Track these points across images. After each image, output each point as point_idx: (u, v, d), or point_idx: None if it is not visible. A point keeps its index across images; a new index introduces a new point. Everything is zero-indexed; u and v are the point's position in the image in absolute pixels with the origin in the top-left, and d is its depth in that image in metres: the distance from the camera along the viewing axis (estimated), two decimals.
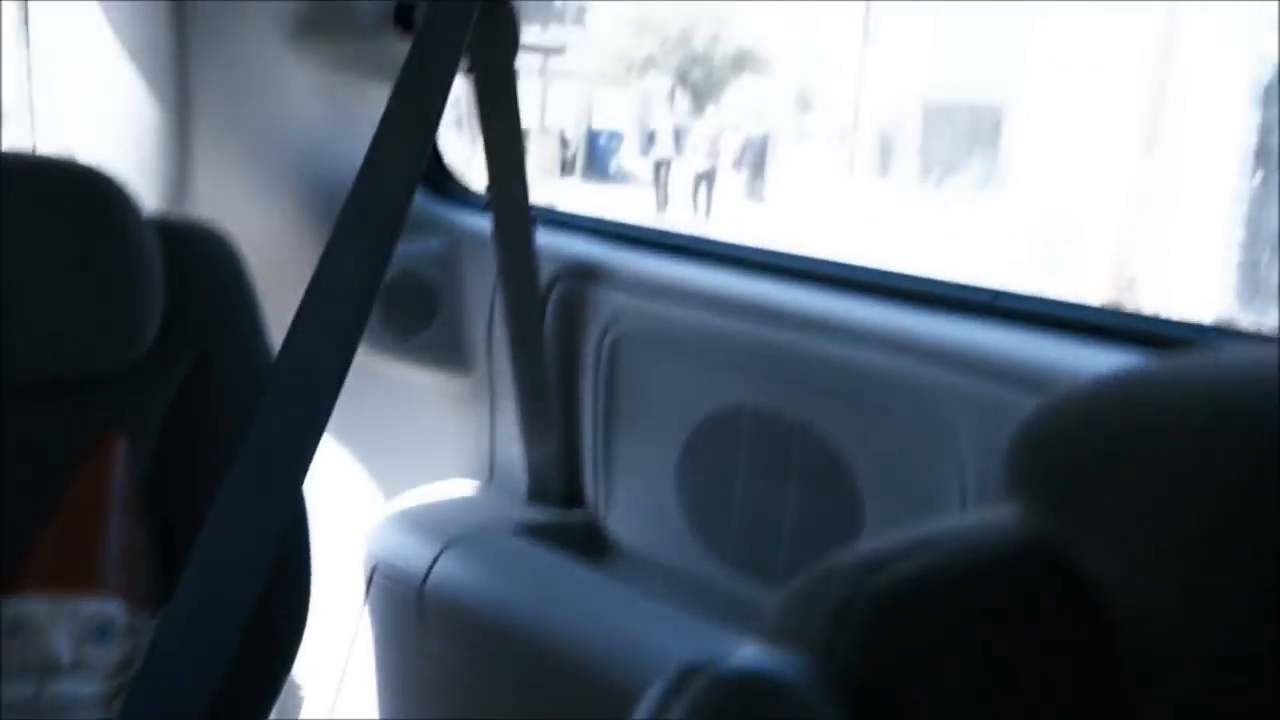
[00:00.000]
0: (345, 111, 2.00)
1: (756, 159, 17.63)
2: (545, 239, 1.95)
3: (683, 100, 24.98)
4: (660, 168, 17.95)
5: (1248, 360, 0.61)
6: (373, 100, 1.78)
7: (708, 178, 17.46)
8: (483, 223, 2.00)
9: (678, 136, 17.99)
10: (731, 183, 17.90)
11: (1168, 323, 1.45)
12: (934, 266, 1.80)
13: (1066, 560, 0.61)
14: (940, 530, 0.65)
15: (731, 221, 16.99)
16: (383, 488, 2.24)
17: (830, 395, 1.57)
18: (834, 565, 0.65)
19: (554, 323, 1.92)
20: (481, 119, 1.77)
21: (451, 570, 1.85)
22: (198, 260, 1.52)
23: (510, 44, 1.76)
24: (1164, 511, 0.57)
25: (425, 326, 2.09)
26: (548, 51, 24.83)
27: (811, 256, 1.78)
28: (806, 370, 1.60)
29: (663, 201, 17.66)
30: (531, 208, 1.88)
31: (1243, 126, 10.76)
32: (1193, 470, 0.57)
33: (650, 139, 18.59)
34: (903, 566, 0.62)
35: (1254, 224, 10.72)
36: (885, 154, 18.64)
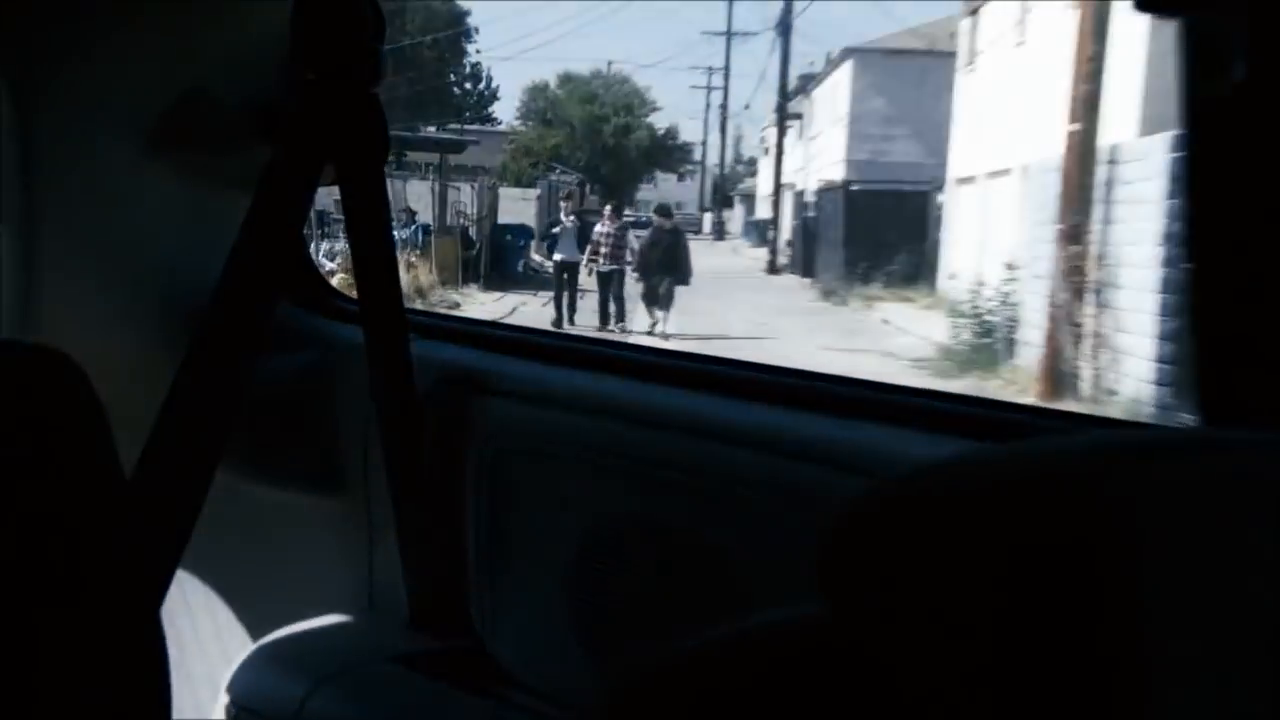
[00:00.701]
0: (207, 223, 1.92)
1: (668, 255, 16.91)
2: (422, 348, 1.90)
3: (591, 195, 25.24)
4: (563, 270, 17.41)
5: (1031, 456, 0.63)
6: (238, 210, 1.70)
7: (615, 277, 16.94)
8: (355, 334, 1.92)
9: (580, 234, 17.47)
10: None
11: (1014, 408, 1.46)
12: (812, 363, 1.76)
13: (864, 650, 0.63)
14: (756, 625, 0.68)
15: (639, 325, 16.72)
16: (249, 623, 2.16)
17: (718, 501, 1.53)
18: (661, 660, 0.67)
19: (433, 436, 1.87)
20: (349, 226, 1.73)
21: (325, 710, 1.75)
22: (41, 387, 1.38)
23: (379, 146, 1.72)
24: (947, 605, 0.59)
25: (295, 446, 2.02)
26: (444, 148, 24.09)
27: (696, 357, 1.78)
28: (694, 476, 1.56)
29: (567, 309, 17.00)
30: (408, 315, 1.84)
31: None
32: (970, 568, 0.59)
33: (553, 238, 17.88)
34: (714, 662, 0.66)
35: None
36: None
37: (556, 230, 17.60)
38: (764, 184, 61.67)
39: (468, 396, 1.86)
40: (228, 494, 1.70)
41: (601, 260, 16.52)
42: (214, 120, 1.80)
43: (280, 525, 2.08)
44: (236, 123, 1.81)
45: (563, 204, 18.89)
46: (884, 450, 1.42)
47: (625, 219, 20.70)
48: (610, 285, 16.53)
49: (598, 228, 16.82)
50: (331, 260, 16.76)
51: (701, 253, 25.38)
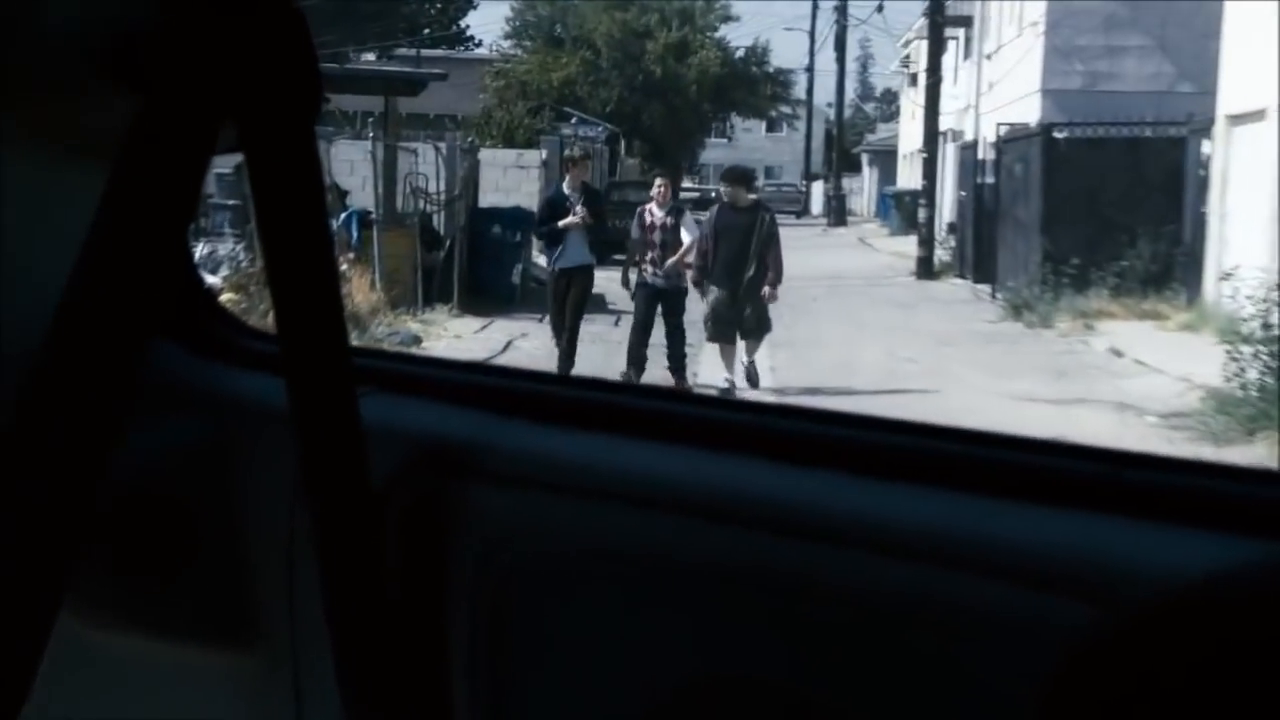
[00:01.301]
0: (43, 218, 1.51)
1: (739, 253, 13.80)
2: (378, 410, 1.54)
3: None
4: (567, 286, 14.15)
5: None
6: (86, 198, 1.27)
7: (671, 299, 13.75)
8: (274, 390, 1.50)
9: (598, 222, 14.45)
10: None
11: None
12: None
13: None
14: None
15: None
16: None
17: (851, 644, 1.25)
18: None
19: (399, 548, 1.54)
20: (261, 220, 1.37)
21: None
22: None
23: (307, 93, 1.36)
24: None
25: (178, 572, 1.66)
26: (393, 87, 21.71)
27: (798, 414, 1.50)
28: (809, 603, 1.26)
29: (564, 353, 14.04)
30: (355, 358, 1.48)
31: None
32: None
33: (552, 230, 14.27)
34: None
35: None
36: None
37: (560, 222, 13.81)
38: (909, 134, 50.08)
39: (450, 483, 1.57)
40: (75, 648, 1.48)
41: (650, 270, 13.18)
42: (50, 57, 1.35)
43: (157, 691, 1.72)
44: (81, 60, 1.35)
45: (569, 173, 14.63)
46: (1110, 555, 1.17)
47: (680, 197, 19.58)
48: (664, 310, 13.08)
49: (647, 210, 13.35)
50: (214, 273, 15.50)
51: (808, 245, 26.66)
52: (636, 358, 13.35)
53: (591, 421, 1.56)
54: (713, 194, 26.61)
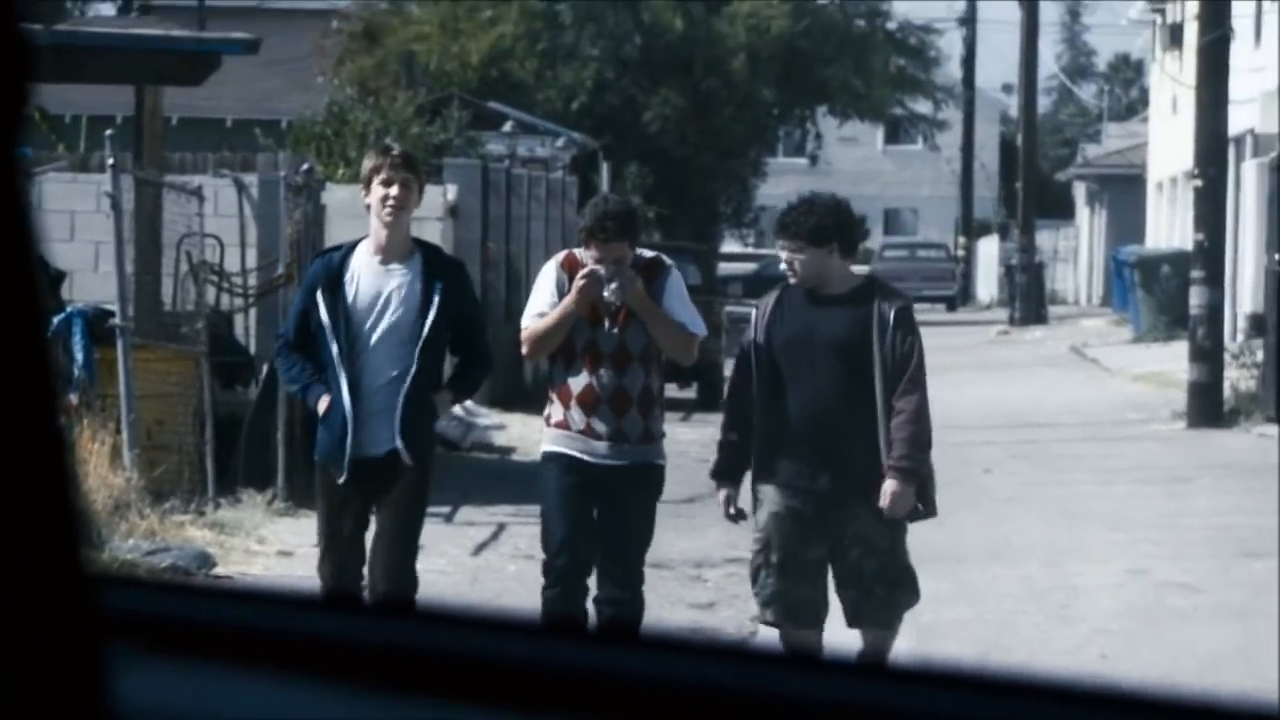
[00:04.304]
0: None
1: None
2: (148, 690, 1.59)
3: None
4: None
5: None
6: None
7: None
8: None
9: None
10: None
11: None
12: None
13: None
14: None
15: None
16: None
17: None
18: None
19: None
20: None
21: None
22: None
23: (14, 88, 1.35)
24: None
25: None
26: (152, 72, 19.74)
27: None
28: None
29: None
30: (107, 593, 1.50)
31: None
32: None
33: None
34: None
35: None
36: None
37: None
38: (1166, 142, 42.14)
39: None
40: None
41: (574, 418, 10.58)
42: None
43: None
44: None
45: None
46: None
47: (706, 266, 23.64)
48: (605, 514, 10.75)
49: (555, 273, 11.05)
50: None
51: (971, 364, 26.30)
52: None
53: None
54: (776, 263, 21.81)
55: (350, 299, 10.37)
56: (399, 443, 10.34)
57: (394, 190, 10.24)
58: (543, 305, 10.43)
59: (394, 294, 10.42)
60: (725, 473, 10.22)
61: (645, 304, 10.30)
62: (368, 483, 10.50)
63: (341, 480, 10.49)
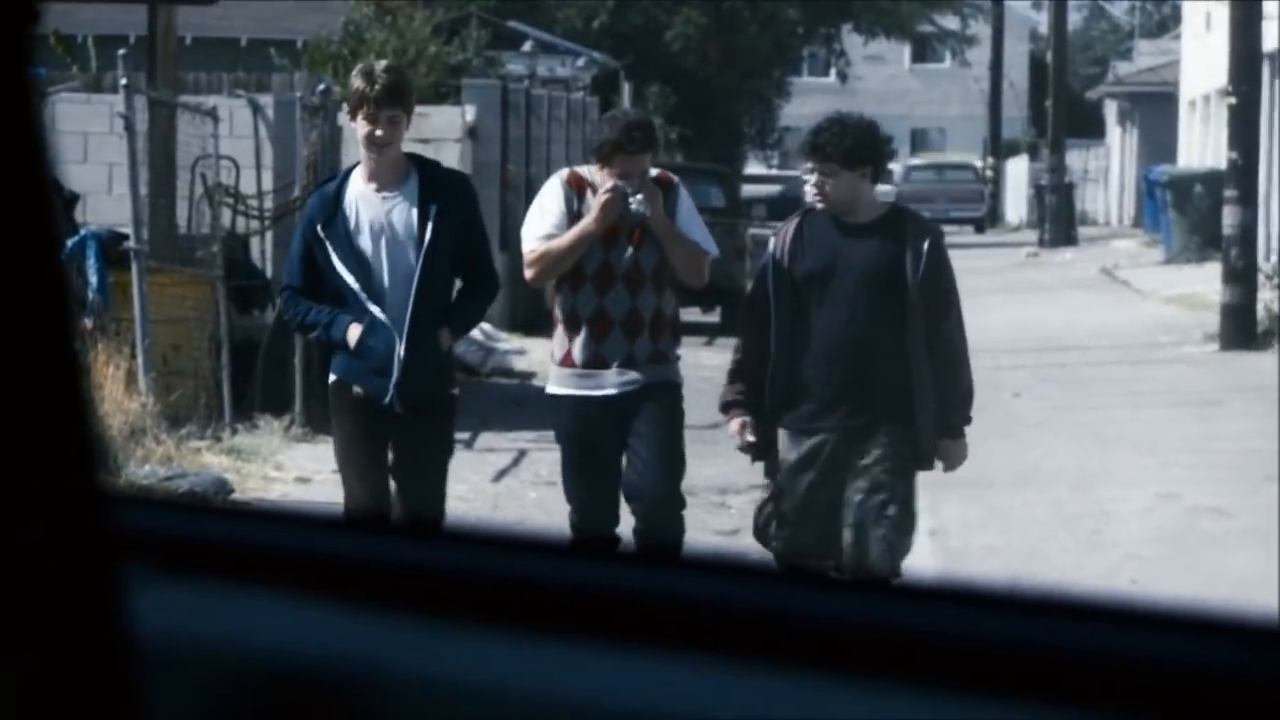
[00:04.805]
0: None
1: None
2: (166, 613, 1.53)
3: None
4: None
5: None
6: None
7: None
8: None
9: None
10: None
11: None
12: None
13: None
14: None
15: None
16: None
17: None
18: None
19: None
20: None
21: None
22: None
23: (25, 6, 1.23)
24: None
25: None
26: None
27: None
28: None
29: None
30: (121, 512, 1.35)
31: None
32: None
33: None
34: None
35: None
36: None
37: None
38: (1199, 60, 41.70)
39: None
40: None
41: (578, 353, 10.39)
42: None
43: None
44: None
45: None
46: None
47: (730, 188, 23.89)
48: (632, 435, 10.44)
49: (559, 192, 10.67)
50: None
51: (1001, 287, 26.24)
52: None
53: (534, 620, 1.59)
54: (800, 185, 23.29)
55: (353, 229, 10.06)
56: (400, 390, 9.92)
57: (378, 131, 9.86)
58: (550, 226, 10.12)
59: (393, 222, 10.08)
60: (737, 403, 9.87)
61: (663, 221, 10.06)
62: (389, 416, 10.22)
63: (386, 400, 10.03)
